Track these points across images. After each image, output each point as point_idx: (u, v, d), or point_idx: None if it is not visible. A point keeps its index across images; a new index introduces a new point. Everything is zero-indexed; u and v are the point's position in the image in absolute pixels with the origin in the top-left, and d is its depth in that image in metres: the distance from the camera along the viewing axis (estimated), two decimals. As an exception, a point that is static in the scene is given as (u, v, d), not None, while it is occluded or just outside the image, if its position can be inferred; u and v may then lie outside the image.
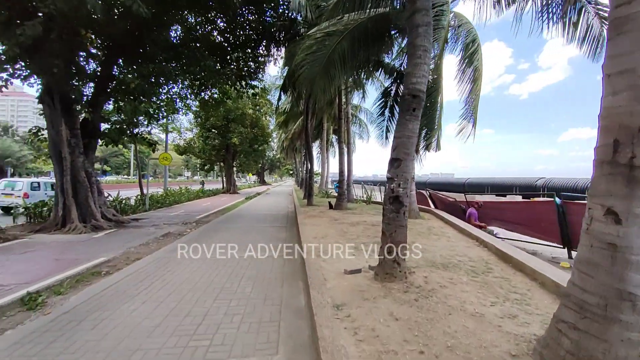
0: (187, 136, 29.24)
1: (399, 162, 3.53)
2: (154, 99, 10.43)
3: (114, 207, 12.92)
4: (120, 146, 21.21)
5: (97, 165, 67.37)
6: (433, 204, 11.87)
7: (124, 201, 14.41)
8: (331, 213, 10.69)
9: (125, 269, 5.41)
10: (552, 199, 6.79)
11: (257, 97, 22.64)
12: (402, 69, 11.32)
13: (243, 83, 13.33)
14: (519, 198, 14.63)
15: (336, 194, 22.82)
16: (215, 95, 14.64)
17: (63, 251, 6.75)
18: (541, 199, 10.95)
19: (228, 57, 12.31)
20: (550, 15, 6.21)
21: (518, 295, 3.27)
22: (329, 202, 12.43)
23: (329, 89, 8.16)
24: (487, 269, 4.04)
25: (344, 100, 13.00)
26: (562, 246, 6.73)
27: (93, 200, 9.38)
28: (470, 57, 7.48)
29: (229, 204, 18.08)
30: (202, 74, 11.00)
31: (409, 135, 3.50)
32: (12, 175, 38.84)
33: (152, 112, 10.31)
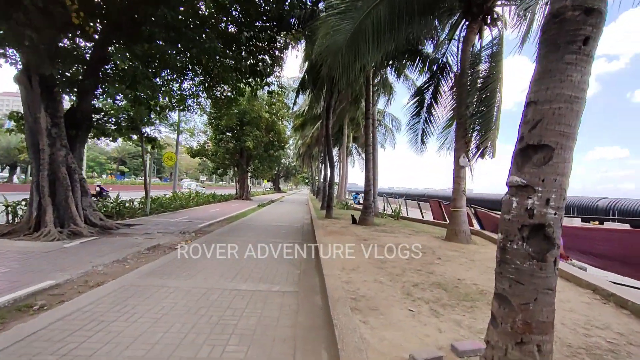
0: (201, 139, 28.25)
1: (546, 151, 1.70)
2: (155, 89, 8.93)
3: (113, 210, 11.59)
4: (139, 148, 20.32)
5: (112, 166, 68.03)
6: (479, 224, 9.81)
7: (126, 203, 13.11)
8: (356, 229, 8.83)
9: (69, 302, 3.75)
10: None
11: (273, 96, 21.35)
12: (444, 60, 9.53)
13: (257, 79, 11.94)
14: (577, 221, 12.32)
15: (356, 206, 20.91)
16: (228, 94, 13.29)
17: (10, 267, 5.19)
18: (617, 225, 8.74)
19: (243, 49, 10.92)
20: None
21: None
22: (352, 216, 10.56)
23: (354, 67, 6.40)
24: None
25: (370, 99, 11.25)
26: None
27: (75, 202, 7.92)
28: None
29: (239, 212, 16.50)
30: (212, 63, 9.56)
31: (570, 95, 1.69)
32: (26, 170, 39.09)
33: (145, 98, 8.79)
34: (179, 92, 12.62)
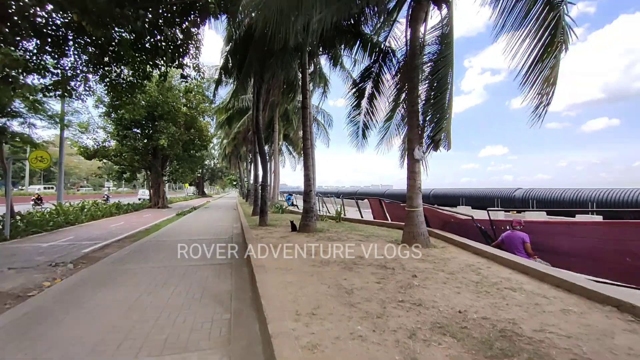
0: (100, 136, 23.19)
1: None
2: None
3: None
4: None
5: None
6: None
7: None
8: (298, 239, 7.34)
9: None
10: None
11: (190, 85, 18.58)
12: (387, 45, 8.71)
13: (169, 55, 9.58)
14: (501, 214, 13.02)
15: (291, 208, 19.38)
16: (131, 78, 10.48)
17: None
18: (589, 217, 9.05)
19: (143, 17, 8.42)
20: None
21: None
22: (292, 222, 9.03)
23: (294, 25, 4.96)
24: None
25: (307, 86, 9.87)
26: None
27: None
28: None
29: (150, 224, 13.48)
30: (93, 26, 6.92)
31: None
32: None
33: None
34: (56, 69, 9.38)
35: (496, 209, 14.67)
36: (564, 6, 4.27)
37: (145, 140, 21.98)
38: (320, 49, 11.02)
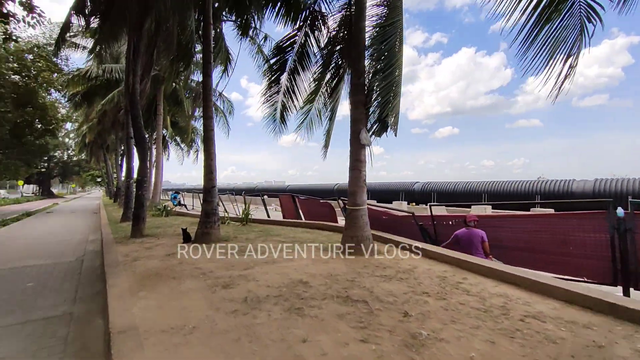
0: None
1: None
2: None
3: None
4: None
5: None
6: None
7: None
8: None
9: None
10: (604, 211, 4.29)
11: (19, 33, 13.18)
12: (316, 8, 7.25)
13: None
14: (404, 206, 13.26)
15: (177, 209, 15.74)
16: None
17: None
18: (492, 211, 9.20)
19: None
20: None
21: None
22: (184, 231, 6.42)
23: None
24: None
25: (210, 47, 7.41)
26: (611, 283, 4.30)
27: None
28: None
29: None
30: None
31: None
32: None
33: None
34: None
35: (407, 202, 15.21)
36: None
37: None
38: (226, 11, 8.76)
